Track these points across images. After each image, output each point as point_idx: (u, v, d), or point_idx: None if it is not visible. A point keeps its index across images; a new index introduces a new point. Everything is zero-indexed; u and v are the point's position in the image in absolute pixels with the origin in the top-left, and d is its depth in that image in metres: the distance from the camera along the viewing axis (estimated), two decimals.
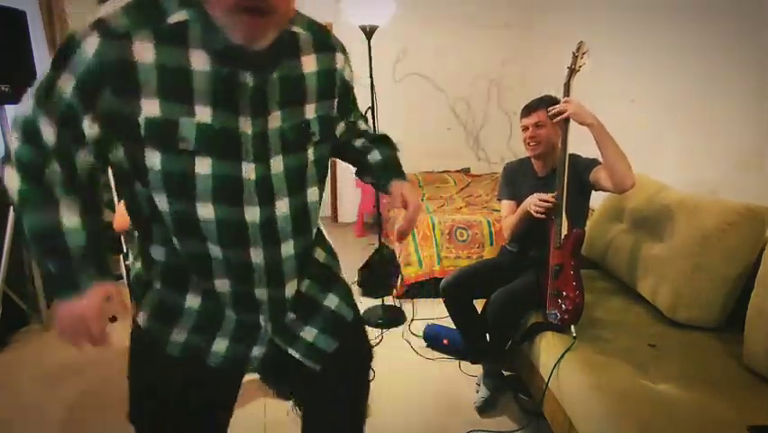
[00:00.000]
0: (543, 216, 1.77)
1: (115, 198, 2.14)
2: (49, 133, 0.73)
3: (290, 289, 0.90)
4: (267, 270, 0.84)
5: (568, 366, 1.51)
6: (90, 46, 0.68)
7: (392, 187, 1.02)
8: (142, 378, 0.92)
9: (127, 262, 1.92)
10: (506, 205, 2.06)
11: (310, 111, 0.84)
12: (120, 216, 1.98)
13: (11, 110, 2.32)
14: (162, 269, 0.85)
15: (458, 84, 4.41)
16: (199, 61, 0.72)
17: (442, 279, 2.06)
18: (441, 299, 2.03)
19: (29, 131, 0.74)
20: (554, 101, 1.84)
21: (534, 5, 4.01)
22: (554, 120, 1.74)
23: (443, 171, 4.36)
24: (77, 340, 0.77)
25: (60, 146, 0.74)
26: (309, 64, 0.83)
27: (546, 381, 1.57)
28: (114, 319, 2.67)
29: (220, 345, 0.89)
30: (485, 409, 1.92)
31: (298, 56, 0.82)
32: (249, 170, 0.78)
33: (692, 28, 2.14)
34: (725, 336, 1.61)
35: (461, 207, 3.39)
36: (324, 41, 0.87)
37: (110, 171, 2.19)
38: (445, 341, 2.33)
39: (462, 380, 2.13)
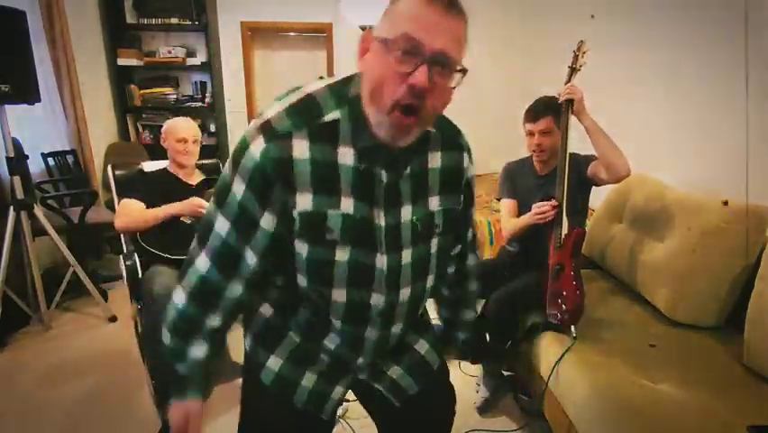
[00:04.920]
0: (550, 218, 1.78)
1: (115, 198, 2.14)
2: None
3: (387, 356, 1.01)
4: (376, 342, 0.92)
5: (568, 366, 1.51)
6: (256, 147, 0.76)
7: None
8: (247, 404, 1.02)
9: (128, 262, 1.92)
10: (506, 204, 2.06)
11: (434, 204, 0.89)
12: (120, 216, 1.98)
13: (11, 110, 2.32)
14: (279, 305, 0.94)
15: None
16: (345, 157, 0.78)
17: None
18: None
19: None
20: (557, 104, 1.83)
21: (532, 3, 4.00)
22: (560, 100, 1.76)
23: None
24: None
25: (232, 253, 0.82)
26: (434, 160, 0.89)
27: (546, 381, 1.57)
28: (114, 319, 2.68)
29: (308, 380, 0.95)
30: (485, 409, 1.92)
31: (426, 152, 0.88)
32: (381, 261, 0.83)
33: (693, 26, 2.14)
34: (725, 336, 1.61)
35: None
36: (453, 140, 0.92)
37: (110, 171, 2.21)
38: None
39: (462, 380, 2.12)
